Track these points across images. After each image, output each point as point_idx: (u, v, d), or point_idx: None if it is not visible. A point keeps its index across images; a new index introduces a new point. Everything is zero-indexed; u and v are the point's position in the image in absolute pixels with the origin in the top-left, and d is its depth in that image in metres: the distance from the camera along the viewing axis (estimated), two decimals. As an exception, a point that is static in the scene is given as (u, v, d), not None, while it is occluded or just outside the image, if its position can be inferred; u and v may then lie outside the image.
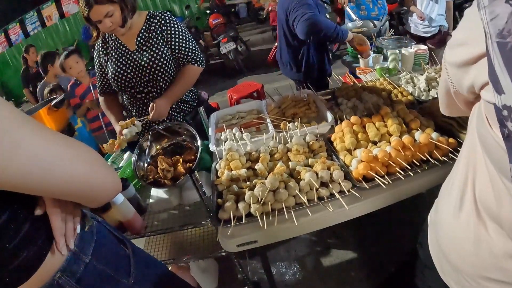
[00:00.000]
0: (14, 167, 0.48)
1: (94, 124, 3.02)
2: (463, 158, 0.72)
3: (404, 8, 3.38)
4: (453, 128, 1.34)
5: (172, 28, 1.61)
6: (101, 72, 1.73)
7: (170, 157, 1.54)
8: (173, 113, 1.78)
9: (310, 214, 0.99)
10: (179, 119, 1.81)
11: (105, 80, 1.74)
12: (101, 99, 1.83)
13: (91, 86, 2.84)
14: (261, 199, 0.98)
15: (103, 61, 1.68)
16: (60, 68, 2.86)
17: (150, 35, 1.59)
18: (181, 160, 1.51)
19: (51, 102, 2.43)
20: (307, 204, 1.01)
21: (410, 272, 1.11)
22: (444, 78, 0.72)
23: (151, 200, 1.53)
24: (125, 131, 1.52)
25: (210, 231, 1.56)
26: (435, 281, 0.91)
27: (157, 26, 1.60)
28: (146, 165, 1.52)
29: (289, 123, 1.49)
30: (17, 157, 0.48)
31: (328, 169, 1.13)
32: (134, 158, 1.50)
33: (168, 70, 1.63)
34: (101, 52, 1.68)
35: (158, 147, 1.63)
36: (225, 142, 1.53)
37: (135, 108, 1.78)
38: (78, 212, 0.72)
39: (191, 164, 1.55)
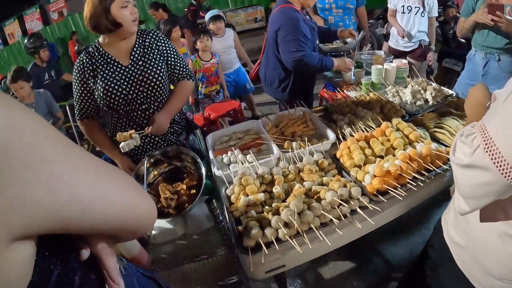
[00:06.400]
0: (80, 207, 0.42)
1: None
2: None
3: (371, 21, 3.44)
4: (445, 136, 1.45)
5: (167, 45, 1.62)
6: (84, 92, 1.56)
7: (169, 183, 1.48)
8: (167, 134, 1.71)
9: (340, 232, 1.00)
10: (172, 140, 1.75)
11: (88, 101, 1.58)
12: (82, 127, 1.67)
13: None
14: (292, 223, 0.98)
15: (90, 78, 1.53)
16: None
17: (145, 49, 1.56)
18: (184, 187, 1.46)
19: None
20: (336, 222, 1.03)
21: (419, 274, 1.16)
22: (490, 182, 0.62)
23: (153, 232, 1.45)
24: (122, 144, 1.44)
25: (219, 259, 1.51)
26: (449, 278, 0.97)
27: (152, 41, 1.58)
28: (145, 194, 1.44)
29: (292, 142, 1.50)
30: (76, 195, 0.42)
31: (344, 186, 1.16)
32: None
33: (165, 85, 1.60)
34: (86, 69, 1.53)
35: (156, 172, 1.56)
36: (228, 165, 1.50)
37: (128, 129, 1.62)
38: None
39: (194, 191, 1.50)
